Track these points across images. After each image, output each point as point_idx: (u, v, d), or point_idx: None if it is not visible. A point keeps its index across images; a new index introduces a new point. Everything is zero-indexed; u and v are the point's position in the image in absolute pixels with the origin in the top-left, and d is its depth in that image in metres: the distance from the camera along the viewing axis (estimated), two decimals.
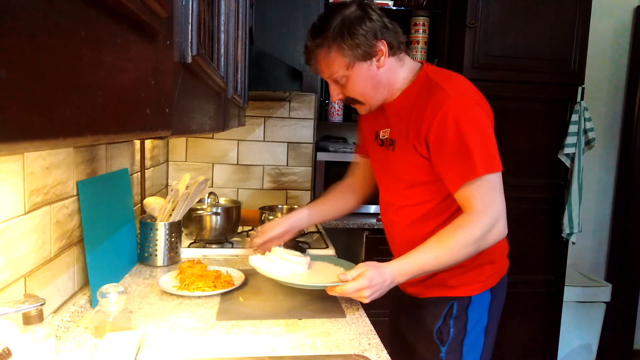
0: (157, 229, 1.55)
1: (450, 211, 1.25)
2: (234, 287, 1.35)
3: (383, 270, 1.12)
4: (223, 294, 1.32)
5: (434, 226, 1.25)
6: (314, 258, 1.42)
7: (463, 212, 1.17)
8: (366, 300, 1.11)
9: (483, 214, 1.14)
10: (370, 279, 1.10)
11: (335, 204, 1.56)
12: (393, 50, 1.21)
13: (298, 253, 1.38)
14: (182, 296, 1.30)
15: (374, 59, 1.20)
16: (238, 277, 1.42)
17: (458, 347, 1.29)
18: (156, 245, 1.55)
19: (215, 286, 1.33)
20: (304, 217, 1.51)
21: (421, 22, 2.66)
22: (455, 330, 1.29)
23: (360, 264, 1.15)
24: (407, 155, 1.24)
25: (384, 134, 1.33)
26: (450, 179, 1.17)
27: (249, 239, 1.58)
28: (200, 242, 1.80)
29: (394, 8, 2.59)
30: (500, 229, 1.16)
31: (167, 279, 1.39)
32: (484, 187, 1.15)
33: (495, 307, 1.33)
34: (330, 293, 1.15)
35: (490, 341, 1.34)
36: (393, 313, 1.52)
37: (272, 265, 1.32)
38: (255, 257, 1.35)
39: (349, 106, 1.78)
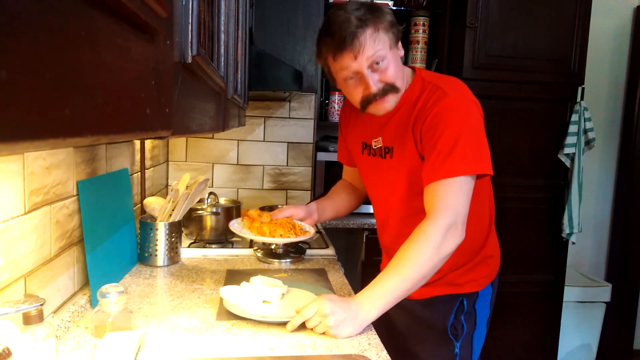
0: (157, 229, 1.55)
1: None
2: (310, 236, 1.48)
3: (344, 298, 1.09)
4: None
5: None
6: (296, 285, 1.29)
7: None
8: (333, 331, 1.04)
9: (439, 216, 1.09)
10: (328, 302, 1.05)
11: (346, 200, 1.60)
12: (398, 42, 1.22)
13: (278, 282, 1.24)
14: (182, 296, 1.30)
15: (399, 43, 1.20)
16: (309, 229, 1.51)
17: (469, 340, 1.33)
18: (156, 245, 1.55)
19: (295, 234, 1.45)
20: (319, 208, 1.57)
21: (421, 22, 2.66)
22: (467, 325, 1.32)
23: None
24: (409, 159, 1.22)
25: (376, 143, 1.31)
26: (427, 173, 1.15)
27: (249, 215, 1.59)
28: (201, 242, 1.80)
29: (394, 8, 2.59)
30: (457, 233, 1.10)
31: (237, 226, 1.51)
32: (454, 187, 1.11)
33: (494, 299, 1.40)
34: (288, 329, 1.07)
35: (487, 331, 1.40)
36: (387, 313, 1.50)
37: (242, 297, 1.17)
38: (226, 289, 1.19)
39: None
